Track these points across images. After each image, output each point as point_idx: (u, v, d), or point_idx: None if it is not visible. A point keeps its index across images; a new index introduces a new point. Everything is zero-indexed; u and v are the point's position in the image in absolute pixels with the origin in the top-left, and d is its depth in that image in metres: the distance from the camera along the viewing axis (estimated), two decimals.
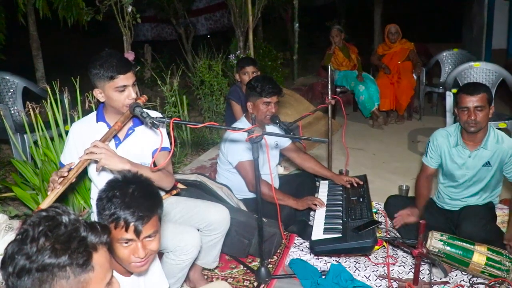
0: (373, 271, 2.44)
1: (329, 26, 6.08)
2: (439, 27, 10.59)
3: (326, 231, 2.45)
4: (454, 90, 3.96)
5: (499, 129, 2.88)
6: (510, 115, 4.21)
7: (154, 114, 2.02)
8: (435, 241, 2.29)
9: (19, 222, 2.15)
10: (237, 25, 5.31)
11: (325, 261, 2.56)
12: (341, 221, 2.53)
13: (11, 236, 2.02)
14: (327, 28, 6.38)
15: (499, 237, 2.40)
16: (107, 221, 1.28)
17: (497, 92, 4.21)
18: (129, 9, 3.66)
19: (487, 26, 7.09)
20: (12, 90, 3.90)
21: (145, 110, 1.83)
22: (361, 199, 2.74)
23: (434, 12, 11.89)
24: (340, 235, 2.38)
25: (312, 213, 2.94)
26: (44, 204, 1.62)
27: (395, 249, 2.64)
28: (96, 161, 1.78)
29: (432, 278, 2.27)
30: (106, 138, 1.83)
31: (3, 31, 4.60)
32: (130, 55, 3.70)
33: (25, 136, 3.28)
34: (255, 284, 2.37)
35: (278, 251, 2.68)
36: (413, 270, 2.30)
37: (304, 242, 2.76)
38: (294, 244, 2.75)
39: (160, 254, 1.94)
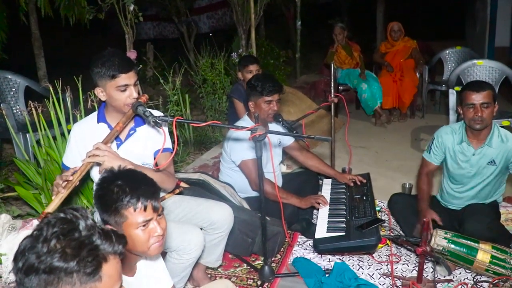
0: (376, 270, 2.43)
1: (332, 24, 6.06)
2: (442, 25, 10.55)
3: (329, 229, 2.45)
4: (457, 88, 3.95)
5: (503, 127, 2.86)
6: None
7: (156, 113, 2.01)
8: (440, 239, 2.28)
9: (22, 221, 2.15)
10: (239, 23, 5.29)
11: (329, 259, 2.56)
12: (344, 219, 2.52)
13: (14, 236, 2.01)
14: (329, 26, 6.36)
15: (503, 235, 2.39)
16: (125, 208, 1.32)
17: (500, 90, 4.20)
18: (131, 7, 3.65)
19: (490, 24, 7.06)
20: (14, 89, 3.90)
21: (147, 109, 1.83)
22: (364, 197, 2.73)
23: (436, 10, 11.84)
24: (344, 234, 2.38)
25: (315, 211, 2.93)
26: (49, 209, 1.62)
27: (399, 247, 2.64)
28: (98, 164, 1.77)
29: (436, 276, 2.26)
30: (108, 139, 1.82)
31: (5, 30, 4.60)
32: (132, 54, 3.69)
33: (27, 135, 3.27)
34: (259, 282, 2.37)
35: (281, 250, 2.67)
36: (417, 268, 2.29)
37: (307, 241, 2.75)
38: (298, 243, 2.74)
39: (163, 254, 1.93)
